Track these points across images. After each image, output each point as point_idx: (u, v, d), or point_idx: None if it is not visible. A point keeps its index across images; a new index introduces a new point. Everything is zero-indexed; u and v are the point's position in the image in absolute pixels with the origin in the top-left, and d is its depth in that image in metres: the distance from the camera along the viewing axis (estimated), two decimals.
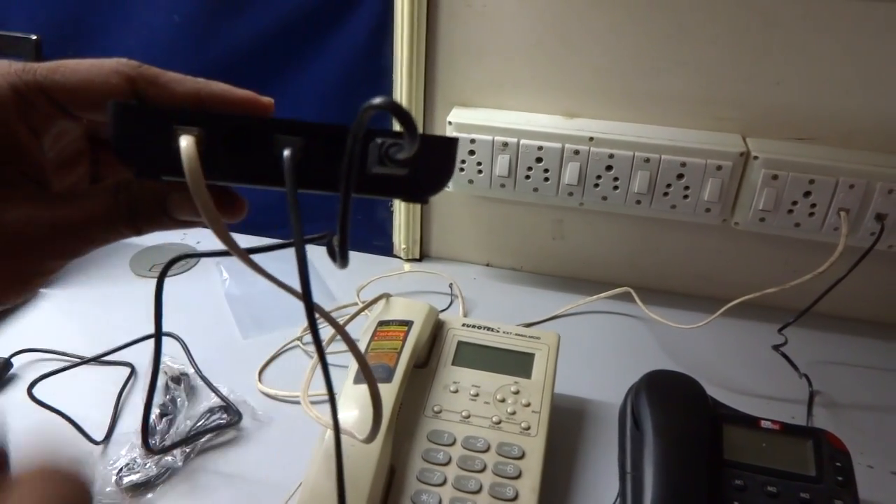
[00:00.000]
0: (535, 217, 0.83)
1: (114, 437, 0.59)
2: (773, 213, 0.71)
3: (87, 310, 0.76)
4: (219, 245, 0.27)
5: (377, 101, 0.24)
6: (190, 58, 0.84)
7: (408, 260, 0.89)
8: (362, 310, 0.66)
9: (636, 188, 0.73)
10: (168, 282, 0.85)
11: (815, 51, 0.67)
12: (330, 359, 0.73)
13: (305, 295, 0.28)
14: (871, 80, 0.67)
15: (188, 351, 0.68)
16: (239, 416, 0.61)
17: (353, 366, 0.56)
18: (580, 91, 0.75)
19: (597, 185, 0.74)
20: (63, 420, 0.59)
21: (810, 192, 0.70)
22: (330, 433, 0.51)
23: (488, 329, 0.63)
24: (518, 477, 0.52)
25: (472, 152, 0.76)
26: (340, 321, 0.75)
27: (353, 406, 0.52)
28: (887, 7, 0.64)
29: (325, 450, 0.50)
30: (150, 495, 0.54)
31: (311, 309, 0.29)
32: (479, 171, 0.76)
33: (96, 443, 0.58)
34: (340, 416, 0.52)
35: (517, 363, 0.60)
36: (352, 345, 0.33)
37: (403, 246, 0.88)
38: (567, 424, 0.63)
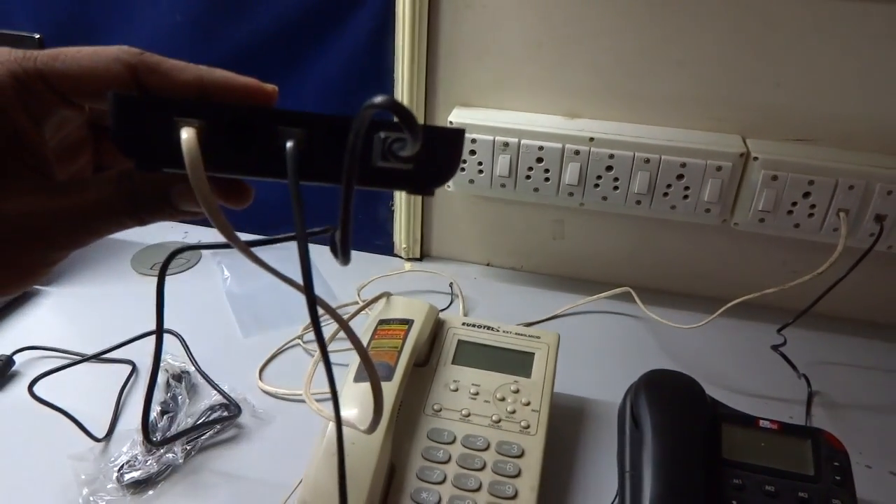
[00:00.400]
0: (535, 217, 0.83)
1: (115, 435, 0.60)
2: (772, 213, 0.72)
3: (88, 308, 0.76)
4: (221, 240, 0.27)
5: (378, 99, 0.24)
6: (192, 57, 0.83)
7: (408, 259, 0.90)
8: (362, 308, 0.66)
9: (636, 188, 0.73)
10: (169, 280, 0.86)
11: (815, 52, 0.67)
12: (331, 357, 0.73)
13: (307, 288, 0.27)
14: (871, 81, 0.68)
15: (187, 348, 0.69)
16: (238, 409, 0.61)
17: (354, 364, 0.56)
18: (581, 91, 0.75)
19: (597, 186, 0.75)
20: (64, 417, 0.59)
21: (810, 192, 0.70)
22: (330, 430, 0.51)
23: (488, 328, 0.64)
24: (517, 475, 0.52)
25: (472, 152, 0.76)
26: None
27: (354, 404, 0.52)
28: (887, 9, 0.64)
29: (326, 447, 0.50)
30: (151, 492, 0.54)
31: (313, 302, 0.28)
32: (480, 171, 0.77)
33: (97, 440, 0.58)
34: (341, 413, 0.52)
35: (517, 362, 0.60)
36: (352, 336, 0.33)
37: (404, 245, 0.89)
38: (566, 423, 0.63)
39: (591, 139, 0.73)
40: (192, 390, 0.64)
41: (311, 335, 0.74)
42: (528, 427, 0.55)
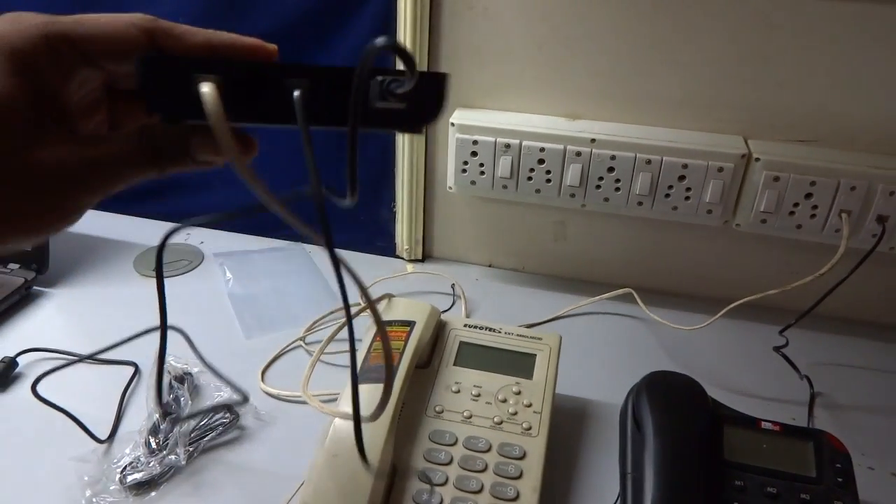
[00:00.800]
0: (537, 218, 0.83)
1: (118, 437, 0.60)
2: (774, 214, 0.72)
3: (92, 310, 0.76)
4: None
5: (381, 41, 0.27)
6: None
7: (410, 261, 0.90)
8: (363, 309, 0.66)
9: (638, 190, 0.73)
10: (172, 281, 0.86)
11: (817, 53, 0.67)
12: (333, 357, 0.74)
13: (328, 243, 0.30)
14: (873, 82, 0.68)
15: (191, 342, 0.68)
16: (245, 398, 0.61)
17: (359, 363, 0.56)
18: (582, 93, 0.75)
19: (598, 187, 0.75)
20: (68, 419, 0.59)
21: (812, 193, 0.70)
22: (332, 432, 0.51)
23: (490, 330, 0.64)
24: (519, 477, 0.52)
25: (474, 153, 0.76)
26: (343, 322, 0.75)
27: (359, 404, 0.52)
28: (888, 10, 0.64)
29: (327, 448, 0.50)
30: (153, 494, 0.55)
31: (334, 254, 0.31)
32: (482, 173, 0.77)
33: (100, 441, 0.59)
34: (341, 409, 0.52)
35: (519, 364, 0.60)
36: (371, 306, 0.33)
37: (406, 247, 0.89)
38: (568, 425, 0.63)
39: (593, 140, 0.73)
40: (195, 392, 0.64)
41: (312, 337, 0.74)
42: (529, 429, 0.55)
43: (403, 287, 0.84)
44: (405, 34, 0.74)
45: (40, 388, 0.60)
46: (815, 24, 0.66)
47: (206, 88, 0.28)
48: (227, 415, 0.61)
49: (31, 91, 0.29)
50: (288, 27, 0.79)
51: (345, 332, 0.74)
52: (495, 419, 0.56)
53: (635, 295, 0.79)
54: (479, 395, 0.58)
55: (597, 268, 0.85)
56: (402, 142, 0.81)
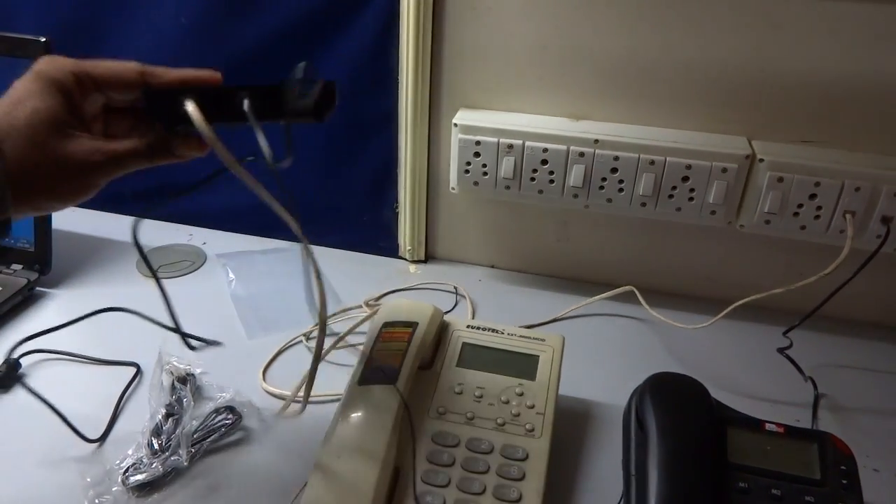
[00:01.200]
0: (540, 219, 0.83)
1: (121, 437, 0.60)
2: (778, 215, 0.71)
3: (94, 310, 0.76)
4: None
5: (301, 65, 0.46)
6: (197, 59, 0.83)
7: (413, 261, 0.90)
8: (370, 316, 0.66)
9: (641, 190, 0.73)
10: (174, 282, 0.87)
11: (820, 53, 0.67)
12: (335, 358, 0.74)
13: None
14: (876, 82, 0.67)
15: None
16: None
17: (358, 368, 0.56)
18: (585, 93, 0.75)
19: (602, 188, 0.74)
20: (67, 418, 0.59)
21: (816, 194, 0.70)
22: (334, 434, 0.51)
23: (493, 331, 0.63)
24: (522, 479, 0.52)
25: (477, 154, 0.76)
26: (347, 324, 0.76)
27: (358, 407, 0.52)
28: (892, 10, 0.64)
29: (331, 450, 0.50)
30: (156, 495, 0.55)
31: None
32: (485, 173, 0.77)
33: (90, 441, 0.59)
34: (345, 416, 0.52)
35: (522, 365, 0.60)
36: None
37: (409, 247, 0.89)
38: (571, 426, 0.63)
39: (596, 141, 0.72)
40: (198, 393, 0.64)
41: (312, 338, 0.74)
42: (532, 430, 0.55)
43: (406, 288, 0.84)
44: (408, 34, 0.74)
45: (41, 389, 0.60)
46: (819, 24, 0.66)
47: (190, 106, 0.44)
48: (230, 416, 0.61)
49: (64, 106, 0.44)
50: (291, 27, 0.79)
51: (341, 329, 0.75)
52: (498, 420, 0.56)
53: (639, 295, 0.79)
54: (481, 397, 0.58)
55: (600, 269, 0.85)
56: (405, 143, 0.81)
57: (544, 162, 0.74)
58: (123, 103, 0.48)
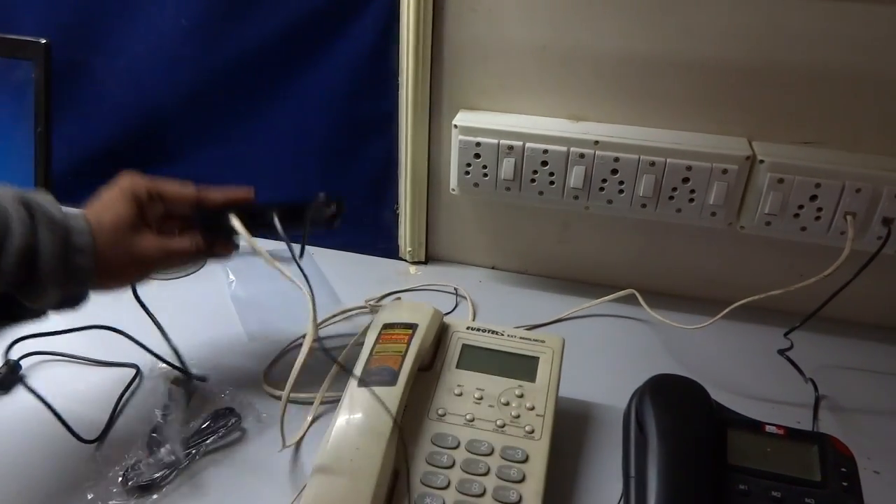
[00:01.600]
0: (540, 220, 0.83)
1: (120, 438, 0.60)
2: (779, 216, 0.71)
3: (95, 313, 0.76)
4: None
5: (322, 195, 0.60)
6: (197, 61, 0.84)
7: (413, 263, 0.90)
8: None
9: (641, 192, 0.73)
10: (174, 284, 0.87)
11: (821, 54, 0.67)
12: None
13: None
14: (878, 83, 0.67)
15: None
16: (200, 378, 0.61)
17: (357, 370, 0.56)
18: (585, 94, 0.75)
19: (602, 189, 0.74)
20: (65, 419, 0.59)
21: (816, 195, 0.69)
22: (335, 436, 0.51)
23: (493, 332, 0.63)
24: (522, 481, 0.52)
25: (477, 156, 0.76)
26: (347, 325, 0.76)
27: (358, 409, 0.52)
28: (892, 10, 0.64)
29: (330, 451, 0.50)
30: (155, 496, 0.54)
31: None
32: (485, 175, 0.77)
33: (87, 441, 0.59)
34: (344, 418, 0.52)
35: (522, 367, 0.60)
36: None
37: (409, 249, 0.88)
38: (571, 428, 0.63)
39: (596, 142, 0.72)
40: (197, 394, 0.64)
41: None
42: (532, 432, 0.55)
43: (406, 289, 0.84)
44: (408, 35, 0.74)
45: (41, 390, 0.60)
46: (819, 25, 0.66)
47: (235, 221, 0.59)
48: (230, 417, 0.61)
49: (138, 212, 0.56)
50: (291, 28, 0.80)
51: (341, 331, 0.76)
52: (498, 422, 0.56)
53: (639, 297, 0.79)
54: (481, 398, 0.58)
55: (600, 270, 0.85)
56: (405, 144, 0.81)
57: (544, 163, 0.74)
58: (177, 212, 0.60)
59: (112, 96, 0.90)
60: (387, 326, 0.60)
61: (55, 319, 0.74)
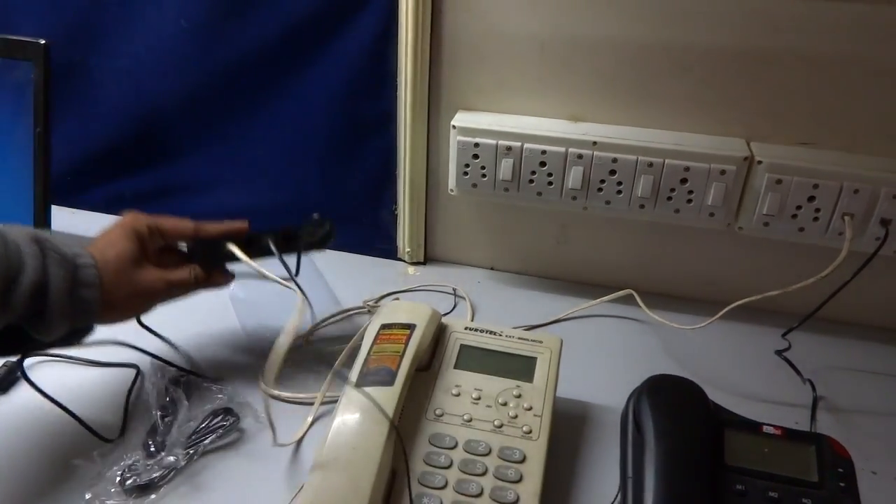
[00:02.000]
0: (538, 221, 0.83)
1: (120, 439, 0.60)
2: (777, 217, 0.71)
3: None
4: None
5: (316, 215, 0.66)
6: (197, 62, 0.84)
7: (412, 263, 0.90)
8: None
9: (640, 192, 0.73)
10: None
11: (819, 55, 0.67)
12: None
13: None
14: (876, 84, 0.67)
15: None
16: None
17: (355, 371, 0.56)
18: (584, 95, 0.75)
19: (600, 190, 0.74)
20: (71, 422, 0.59)
21: (814, 196, 0.70)
22: (332, 437, 0.51)
23: (491, 333, 0.63)
24: (519, 481, 0.52)
25: (475, 156, 0.76)
26: (345, 325, 0.76)
27: (356, 409, 0.52)
28: (891, 11, 0.64)
29: (327, 453, 0.50)
30: (153, 496, 0.55)
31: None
32: (483, 176, 0.77)
33: (108, 440, 0.59)
34: (341, 418, 0.52)
35: (519, 367, 0.60)
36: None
37: (408, 249, 0.89)
38: (569, 428, 0.63)
39: (595, 143, 0.72)
40: (194, 394, 0.64)
41: (315, 337, 0.74)
42: (530, 432, 0.55)
43: (404, 290, 0.84)
44: (407, 36, 0.74)
45: (45, 391, 0.60)
46: (817, 26, 0.66)
47: (235, 248, 0.63)
48: (227, 417, 0.61)
49: (139, 248, 0.59)
50: (291, 29, 0.80)
51: (340, 332, 0.76)
52: (495, 422, 0.56)
53: (637, 297, 0.79)
54: (479, 399, 0.58)
55: (598, 270, 0.85)
56: (404, 144, 0.81)
57: (543, 164, 0.74)
58: (175, 245, 0.64)
59: (111, 96, 0.90)
60: (385, 327, 0.60)
61: None
